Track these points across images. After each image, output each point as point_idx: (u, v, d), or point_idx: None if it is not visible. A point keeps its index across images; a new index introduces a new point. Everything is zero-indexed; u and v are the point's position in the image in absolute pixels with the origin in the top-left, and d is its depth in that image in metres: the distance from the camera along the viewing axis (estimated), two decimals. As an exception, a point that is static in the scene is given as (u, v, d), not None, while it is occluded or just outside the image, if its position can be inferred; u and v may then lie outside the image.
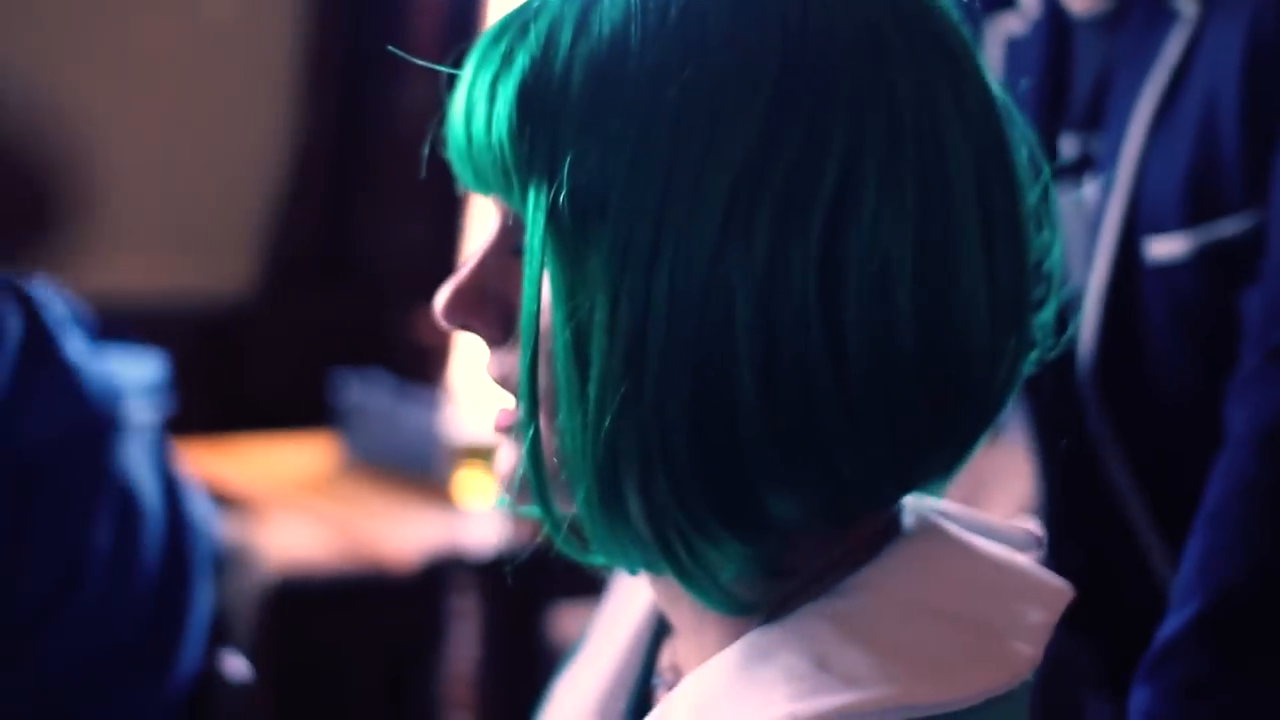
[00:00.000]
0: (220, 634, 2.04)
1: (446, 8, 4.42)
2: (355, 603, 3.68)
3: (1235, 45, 1.39)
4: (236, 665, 2.05)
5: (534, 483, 0.87)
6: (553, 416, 0.86)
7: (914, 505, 0.93)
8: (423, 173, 0.96)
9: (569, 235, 0.84)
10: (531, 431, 0.86)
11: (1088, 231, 1.49)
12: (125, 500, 1.85)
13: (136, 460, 1.88)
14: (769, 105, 0.83)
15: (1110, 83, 1.49)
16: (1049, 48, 1.54)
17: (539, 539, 0.91)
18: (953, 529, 0.92)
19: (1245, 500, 1.31)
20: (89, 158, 4.24)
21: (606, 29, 0.84)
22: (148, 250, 4.35)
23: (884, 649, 0.85)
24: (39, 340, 1.83)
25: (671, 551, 0.85)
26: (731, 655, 0.87)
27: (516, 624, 3.27)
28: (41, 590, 1.80)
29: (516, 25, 0.87)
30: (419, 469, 3.41)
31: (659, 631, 1.01)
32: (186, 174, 4.41)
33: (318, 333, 4.41)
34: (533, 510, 0.88)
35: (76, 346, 1.87)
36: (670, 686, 0.96)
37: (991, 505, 1.56)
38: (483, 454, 3.33)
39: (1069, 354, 1.47)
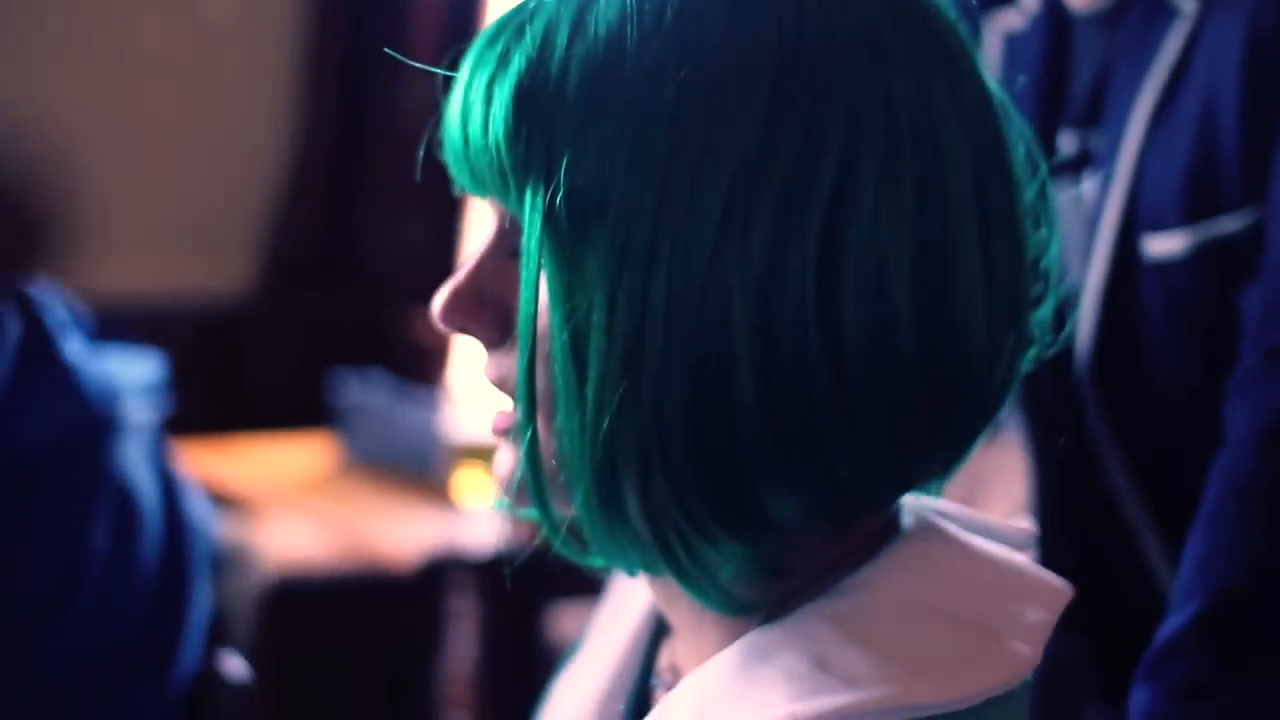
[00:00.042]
0: (219, 634, 2.04)
1: (446, 8, 4.42)
2: (354, 603, 3.68)
3: (1235, 42, 1.39)
4: (235, 665, 2.05)
5: (532, 485, 0.87)
6: (551, 418, 0.86)
7: (913, 505, 0.93)
8: (419, 175, 0.96)
9: (566, 237, 0.84)
10: (529, 434, 0.86)
11: (1086, 228, 1.49)
12: (124, 500, 1.85)
13: (135, 460, 1.88)
14: (766, 105, 0.83)
15: (1109, 79, 1.49)
16: (1048, 44, 1.54)
17: (538, 539, 0.91)
18: (952, 529, 0.92)
19: (1245, 499, 1.30)
20: (88, 158, 4.24)
21: (603, 30, 0.84)
22: (146, 250, 4.35)
23: (883, 649, 0.85)
24: (38, 341, 1.84)
25: (670, 552, 0.85)
26: (731, 656, 0.87)
27: (515, 624, 3.27)
28: (41, 590, 1.80)
29: (512, 26, 0.87)
30: (418, 469, 3.41)
31: (658, 632, 1.01)
32: (186, 174, 4.41)
33: (317, 333, 4.41)
34: (531, 512, 0.88)
35: (75, 347, 1.87)
36: (669, 687, 0.96)
37: (990, 504, 1.56)
38: (482, 454, 3.33)
39: (1066, 351, 1.47)
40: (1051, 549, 0.99)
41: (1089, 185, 1.49)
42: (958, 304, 0.85)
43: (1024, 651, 0.88)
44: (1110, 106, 1.48)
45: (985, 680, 0.86)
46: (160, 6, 4.32)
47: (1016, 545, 0.96)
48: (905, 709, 0.84)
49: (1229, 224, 1.41)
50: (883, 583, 0.88)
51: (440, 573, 3.20)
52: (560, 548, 0.89)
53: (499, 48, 0.86)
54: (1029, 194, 0.91)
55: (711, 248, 0.82)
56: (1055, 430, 1.52)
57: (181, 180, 4.41)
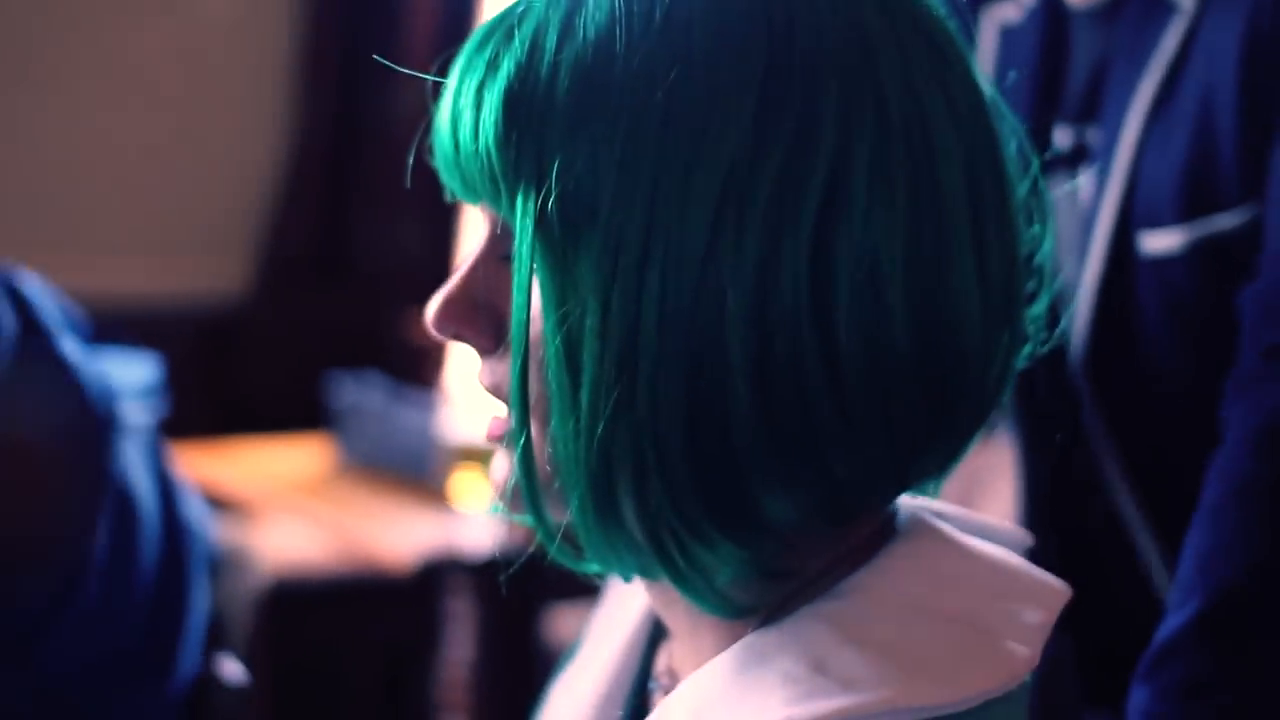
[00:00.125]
0: (216, 637, 2.04)
1: (441, 9, 4.42)
2: (351, 605, 3.68)
3: (1233, 40, 1.39)
4: (232, 668, 2.05)
5: (526, 491, 0.87)
6: (545, 424, 0.86)
7: (910, 506, 0.93)
8: (409, 181, 0.96)
9: (558, 241, 0.83)
10: (523, 440, 0.86)
11: (1082, 224, 1.48)
12: (122, 502, 1.85)
13: (133, 462, 1.88)
14: (757, 106, 0.82)
15: (1106, 74, 1.49)
16: (1044, 37, 1.53)
17: (534, 542, 0.91)
18: (949, 530, 0.92)
19: (1244, 499, 1.30)
20: (84, 159, 4.24)
21: (591, 33, 0.84)
22: (142, 252, 4.35)
23: (881, 651, 0.85)
24: (34, 341, 1.83)
25: (667, 556, 0.85)
26: (728, 659, 0.87)
27: (512, 626, 3.26)
28: (40, 593, 1.80)
29: (501, 31, 0.86)
30: (414, 471, 3.41)
31: (655, 635, 1.01)
32: (181, 176, 4.41)
33: (313, 334, 4.41)
34: (526, 518, 0.88)
35: (72, 348, 1.86)
36: (667, 690, 0.96)
37: (986, 503, 1.56)
38: (478, 456, 3.33)
39: (1061, 348, 1.47)
40: (1042, 547, 0.99)
41: (1085, 181, 1.48)
42: (952, 302, 0.85)
43: (1022, 653, 0.88)
44: (1107, 102, 1.48)
45: (983, 682, 0.86)
46: (157, 8, 4.32)
47: (1014, 546, 0.95)
48: (903, 711, 0.83)
49: (1226, 221, 1.40)
50: (880, 584, 0.88)
51: (437, 575, 3.20)
52: (555, 554, 0.89)
53: (488, 53, 0.86)
54: (1022, 191, 0.91)
55: (704, 249, 0.82)
56: (1050, 427, 1.52)
57: (177, 182, 4.41)
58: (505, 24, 0.87)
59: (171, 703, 1.91)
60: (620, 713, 1.01)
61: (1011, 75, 1.51)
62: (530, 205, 0.84)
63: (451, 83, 0.88)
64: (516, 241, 0.85)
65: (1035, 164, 0.94)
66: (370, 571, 3.49)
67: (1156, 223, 1.43)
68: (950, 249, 0.85)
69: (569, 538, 0.88)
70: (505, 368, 0.87)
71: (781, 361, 0.82)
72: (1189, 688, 1.28)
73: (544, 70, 0.84)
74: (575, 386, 0.83)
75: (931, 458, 0.89)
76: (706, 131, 0.82)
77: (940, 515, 0.94)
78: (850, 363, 0.83)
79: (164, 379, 1.99)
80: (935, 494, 0.95)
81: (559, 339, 0.83)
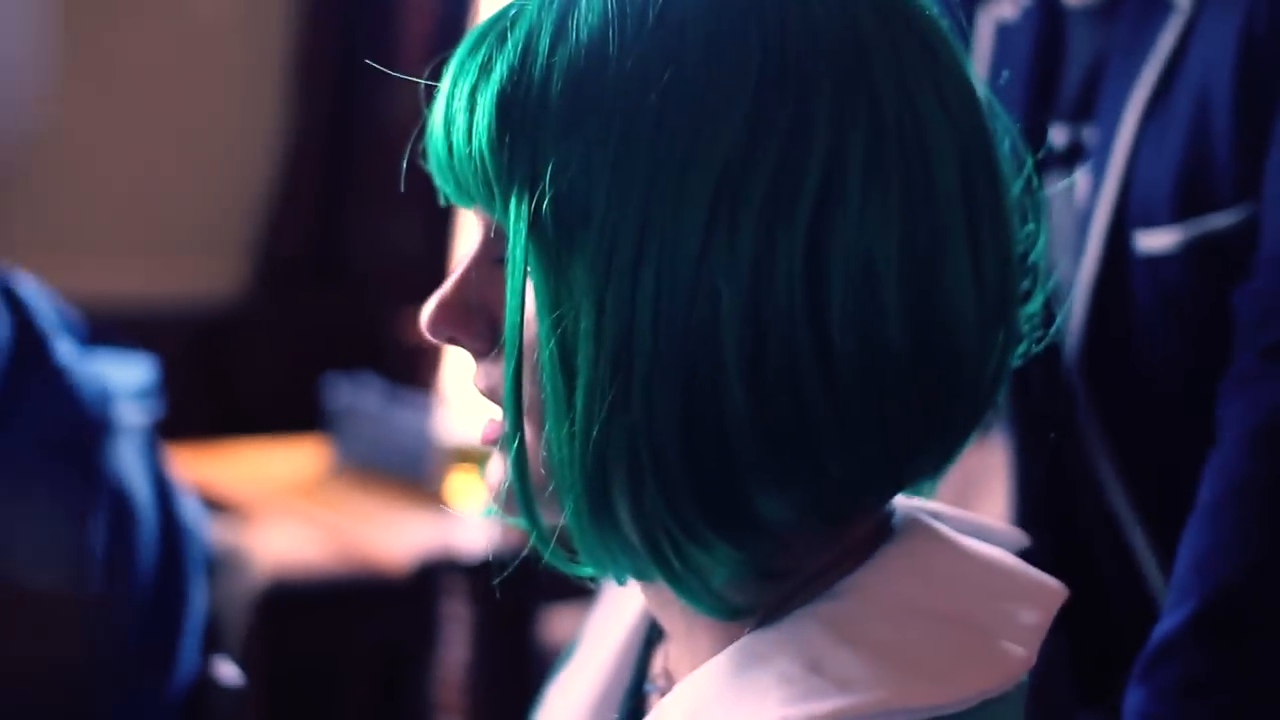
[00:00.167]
0: (212, 639, 2.04)
1: (437, 9, 4.42)
2: (347, 606, 3.68)
3: (1229, 39, 1.39)
4: (228, 671, 2.05)
5: (520, 494, 0.87)
6: (539, 427, 0.86)
7: (906, 507, 0.93)
8: (403, 185, 0.96)
9: (552, 244, 0.83)
10: (516, 443, 0.86)
11: (1077, 223, 1.48)
12: (119, 504, 1.85)
13: (130, 464, 1.88)
14: (750, 107, 0.82)
15: (1103, 73, 1.49)
16: (1040, 35, 1.53)
17: (530, 543, 0.91)
18: (945, 530, 0.92)
19: (1241, 499, 1.30)
20: (79, 160, 4.24)
21: (584, 35, 0.84)
22: (137, 253, 4.34)
23: (878, 652, 0.85)
24: (30, 343, 1.83)
25: (663, 557, 0.85)
26: (724, 660, 0.87)
27: (509, 627, 3.26)
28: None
29: (494, 34, 0.86)
30: (410, 472, 3.41)
31: (651, 636, 1.01)
32: (177, 177, 4.41)
33: (309, 336, 4.41)
34: (520, 521, 0.88)
35: (67, 349, 1.86)
36: (663, 692, 0.95)
37: (981, 503, 1.56)
38: (474, 457, 3.33)
39: (1056, 346, 1.47)
40: (1036, 546, 0.99)
41: (1081, 179, 1.48)
42: (947, 301, 0.85)
43: (1019, 653, 0.88)
44: (1103, 100, 1.48)
45: (980, 682, 0.86)
46: (153, 9, 4.32)
47: (1010, 546, 0.95)
48: (899, 712, 0.83)
49: (1221, 220, 1.40)
50: (876, 585, 0.88)
51: (433, 576, 3.20)
52: (550, 558, 0.89)
53: (481, 56, 0.86)
54: (1016, 189, 0.91)
55: (698, 250, 0.82)
56: (1044, 426, 1.52)
57: (173, 183, 4.40)
58: (498, 27, 0.86)
59: (170, 704, 1.91)
60: (616, 715, 1.01)
61: (1007, 73, 1.51)
62: (524, 208, 0.84)
63: (445, 86, 0.88)
64: (510, 244, 0.85)
65: (1029, 162, 0.94)
66: (366, 573, 3.49)
67: (1152, 221, 1.43)
68: (945, 248, 0.85)
69: (563, 541, 0.88)
70: (500, 371, 0.87)
71: (776, 361, 0.82)
72: (1186, 688, 1.28)
73: (537, 73, 0.84)
74: (570, 389, 0.83)
75: (927, 457, 0.89)
76: (700, 132, 0.82)
77: (937, 516, 0.94)
78: (845, 362, 0.83)
79: (159, 380, 1.98)
80: (931, 494, 0.95)
81: (553, 342, 0.83)
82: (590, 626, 1.07)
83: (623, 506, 0.84)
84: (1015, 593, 0.91)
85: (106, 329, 1.99)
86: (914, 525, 0.91)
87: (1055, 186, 1.47)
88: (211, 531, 2.10)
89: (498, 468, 0.90)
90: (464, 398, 3.77)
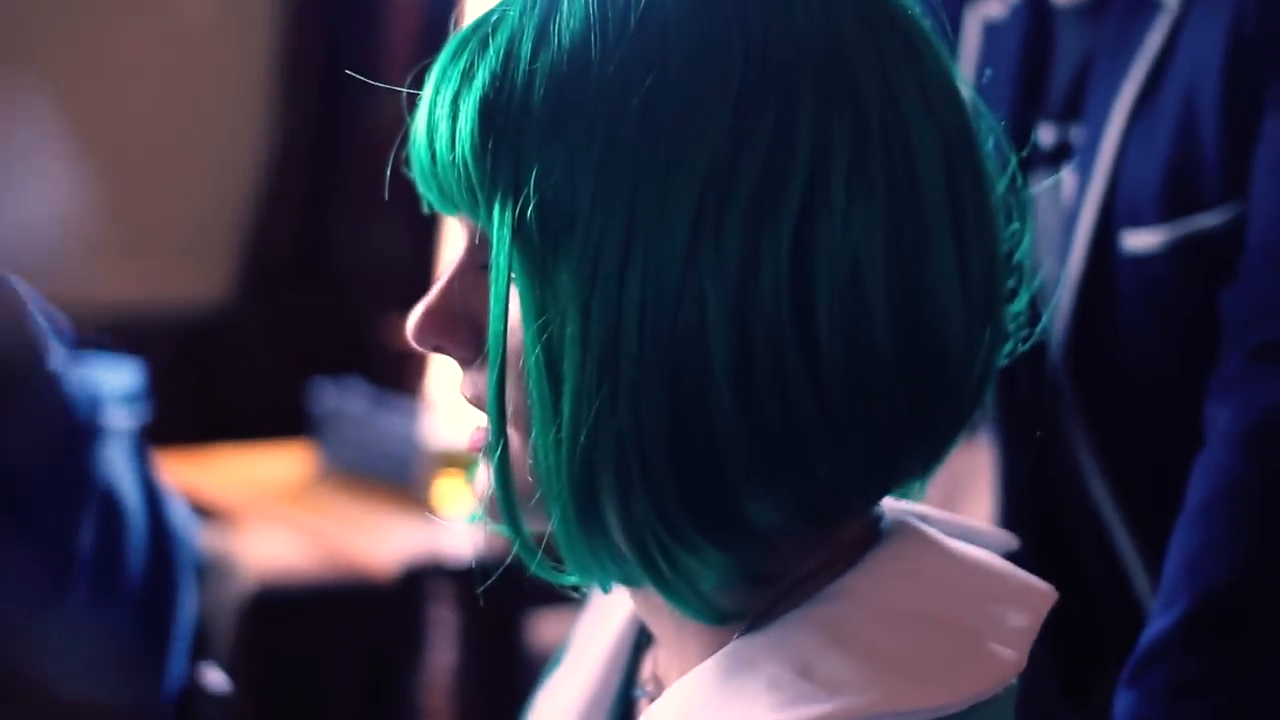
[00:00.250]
0: (199, 645, 2.03)
1: (422, 11, 4.41)
2: (334, 611, 3.67)
3: (1216, 39, 1.39)
4: (216, 677, 2.04)
5: (503, 504, 0.87)
6: (526, 435, 0.85)
7: (895, 510, 0.93)
8: (391, 191, 0.96)
9: (536, 250, 0.83)
10: (500, 451, 0.85)
11: (1064, 222, 1.48)
12: (108, 505, 1.85)
13: (118, 467, 1.87)
14: (734, 109, 0.82)
15: (1090, 72, 1.49)
16: (1028, 34, 1.53)
17: (515, 550, 0.91)
18: (934, 534, 0.92)
19: (1231, 500, 1.30)
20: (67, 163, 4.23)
21: (566, 40, 0.84)
22: (123, 257, 4.33)
23: (867, 655, 0.85)
24: (19, 347, 1.82)
25: (651, 563, 0.85)
26: (714, 665, 0.87)
27: (496, 632, 3.26)
28: (25, 598, 1.79)
29: (475, 40, 0.86)
30: (396, 477, 3.40)
31: (640, 641, 1.01)
32: (162, 180, 4.40)
33: (294, 340, 4.40)
34: (505, 530, 0.88)
35: (56, 353, 1.86)
36: (652, 698, 0.95)
37: (967, 504, 1.56)
38: (460, 461, 3.33)
39: (1041, 345, 1.47)
40: (1021, 547, 0.99)
41: (1068, 178, 1.48)
42: (933, 301, 0.85)
43: (1009, 655, 0.88)
44: (1090, 99, 1.48)
45: (970, 685, 0.86)
46: (138, 11, 4.31)
47: (999, 549, 0.95)
48: (889, 715, 0.83)
49: (1208, 220, 1.41)
50: (865, 588, 0.88)
51: (420, 581, 3.19)
52: (535, 568, 0.89)
53: (463, 62, 0.86)
54: (1000, 188, 0.91)
55: (684, 253, 0.82)
56: (1029, 425, 1.52)
57: (158, 187, 4.40)
58: (479, 33, 0.86)
59: (163, 709, 1.90)
60: (605, 720, 1.01)
61: (995, 73, 1.51)
62: (508, 215, 0.84)
63: (427, 93, 0.88)
64: (494, 251, 0.84)
65: (1013, 161, 0.94)
66: (353, 578, 3.48)
67: (1138, 221, 1.43)
68: (930, 247, 0.85)
69: (549, 549, 0.87)
70: (486, 378, 0.87)
71: (763, 363, 0.82)
72: (1178, 690, 1.28)
73: (519, 79, 0.84)
74: (556, 396, 0.83)
75: (914, 457, 0.89)
76: (684, 135, 0.82)
77: (925, 519, 0.94)
78: (831, 363, 0.83)
79: (146, 385, 1.98)
80: (921, 495, 0.95)
81: (539, 348, 0.83)
82: (579, 631, 1.07)
83: (611, 513, 0.84)
84: (1005, 595, 0.91)
85: (91, 333, 1.99)
86: (903, 528, 0.91)
87: (1041, 185, 1.47)
88: (199, 537, 2.10)
89: (485, 476, 0.90)
90: (450, 402, 3.77)
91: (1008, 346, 0.93)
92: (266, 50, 4.51)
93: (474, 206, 0.86)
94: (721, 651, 0.87)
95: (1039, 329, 0.97)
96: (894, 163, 0.84)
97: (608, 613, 1.04)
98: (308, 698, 3.68)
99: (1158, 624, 1.30)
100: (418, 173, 0.89)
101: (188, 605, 1.94)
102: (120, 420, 1.89)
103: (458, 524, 3.23)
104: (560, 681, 1.05)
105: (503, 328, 0.85)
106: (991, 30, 1.56)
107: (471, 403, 0.90)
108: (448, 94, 0.86)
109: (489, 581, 0.93)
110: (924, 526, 0.92)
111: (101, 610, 1.83)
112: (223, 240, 4.49)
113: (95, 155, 4.26)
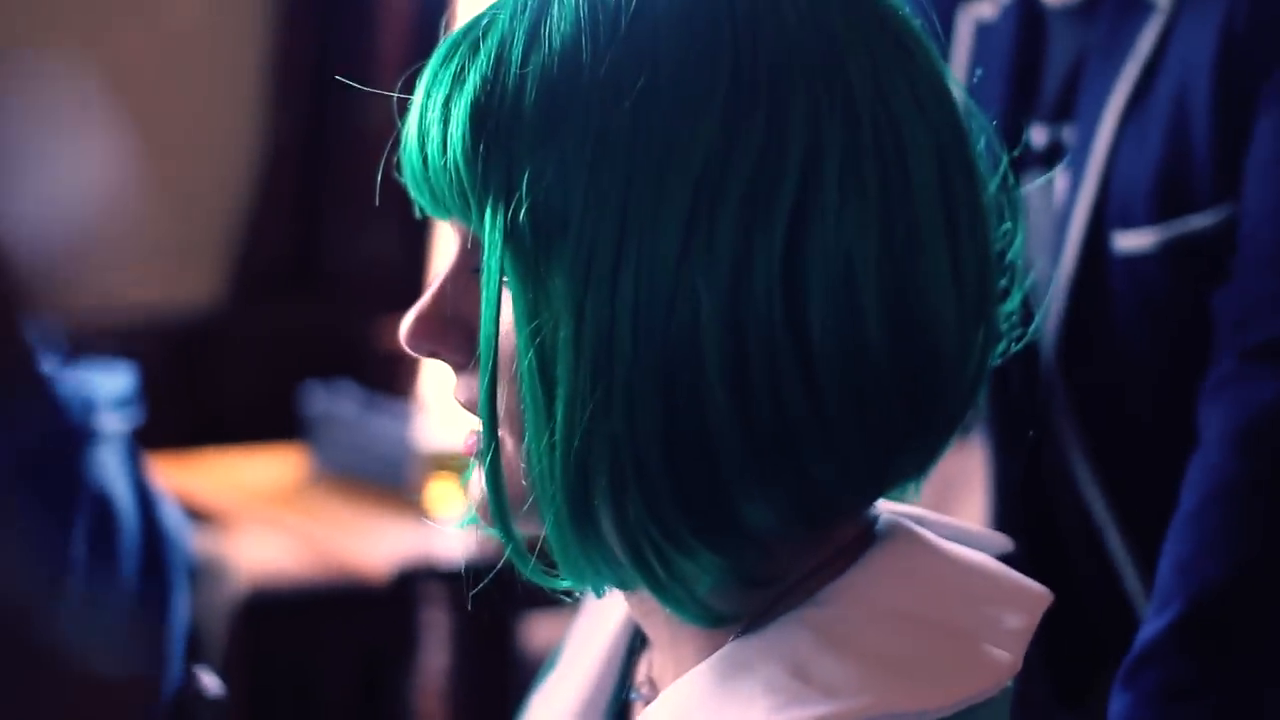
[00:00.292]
0: (192, 648, 2.03)
1: (414, 14, 4.41)
2: (327, 614, 3.67)
3: (1208, 39, 1.39)
4: (209, 680, 2.04)
5: (495, 509, 0.86)
6: (519, 439, 0.85)
7: (890, 512, 0.93)
8: (383, 196, 0.96)
9: (529, 253, 0.83)
10: (491, 456, 0.85)
11: (1056, 222, 1.49)
12: (101, 508, 1.84)
13: (112, 472, 1.87)
14: (725, 110, 0.82)
15: (1082, 73, 1.49)
16: (1019, 35, 1.53)
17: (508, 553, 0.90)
18: (929, 535, 0.92)
19: (1224, 501, 1.30)
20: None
21: (557, 43, 0.84)
22: (114, 260, 4.33)
23: (863, 657, 0.85)
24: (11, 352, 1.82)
25: (647, 566, 0.85)
26: (709, 668, 0.87)
27: (489, 634, 3.26)
28: (19, 601, 1.79)
29: (466, 44, 0.86)
30: (389, 480, 3.40)
31: (635, 644, 1.01)
32: (154, 184, 4.39)
33: (286, 343, 4.39)
34: (497, 534, 0.88)
35: (49, 357, 1.86)
36: (647, 700, 0.95)
37: (960, 505, 1.56)
38: (453, 464, 3.32)
39: (1033, 345, 1.47)
40: (1013, 549, 0.99)
41: (1060, 179, 1.49)
42: (925, 300, 0.85)
43: (1004, 658, 0.88)
44: (1083, 100, 1.48)
45: (965, 687, 0.86)
46: (128, 14, 4.31)
47: (994, 551, 0.95)
48: (885, 717, 0.83)
49: (1200, 221, 1.41)
50: (861, 590, 0.88)
51: (413, 584, 3.19)
52: (529, 573, 0.88)
53: (454, 66, 0.86)
54: (992, 187, 0.91)
55: (677, 254, 0.82)
56: (1021, 425, 1.52)
57: (149, 191, 4.39)
58: (470, 37, 0.86)
59: (155, 713, 1.90)
60: (600, 724, 1.00)
61: (986, 73, 1.51)
62: (500, 218, 0.84)
63: (418, 97, 0.88)
64: (486, 255, 0.84)
65: (1005, 161, 0.94)
66: (346, 581, 3.48)
67: (1130, 222, 1.43)
68: (923, 247, 0.85)
69: (543, 553, 0.87)
70: (479, 383, 0.87)
71: (756, 364, 0.82)
72: (1172, 692, 1.28)
73: (510, 82, 0.84)
74: (550, 400, 0.83)
75: (909, 458, 0.89)
76: (676, 136, 0.82)
77: (920, 521, 0.94)
78: (825, 363, 0.83)
79: (139, 389, 1.98)
80: (915, 496, 0.94)
81: (532, 352, 0.83)
82: (573, 634, 1.07)
83: (605, 516, 0.84)
84: (1000, 597, 0.91)
85: (83, 336, 1.99)
86: (897, 531, 0.91)
87: (1033, 185, 1.47)
88: (192, 540, 2.10)
89: (478, 480, 0.90)
90: (443, 405, 3.77)
91: (1000, 346, 0.93)
92: (258, 54, 4.50)
93: (466, 210, 0.86)
94: (717, 654, 0.87)
95: (1031, 329, 0.97)
96: (886, 162, 0.84)
97: (602, 616, 1.04)
98: (301, 700, 3.68)
99: (1152, 626, 1.30)
100: (409, 177, 0.89)
101: (181, 608, 1.94)
102: (112, 423, 1.89)
103: (450, 527, 3.23)
104: (555, 685, 1.05)
105: (495, 331, 0.85)
106: (983, 30, 1.56)
107: (465, 407, 0.90)
108: (439, 98, 0.86)
109: (482, 584, 0.93)
110: (919, 529, 0.92)
111: (95, 614, 1.83)
112: (214, 243, 4.49)
113: (85, 158, 4.26)
